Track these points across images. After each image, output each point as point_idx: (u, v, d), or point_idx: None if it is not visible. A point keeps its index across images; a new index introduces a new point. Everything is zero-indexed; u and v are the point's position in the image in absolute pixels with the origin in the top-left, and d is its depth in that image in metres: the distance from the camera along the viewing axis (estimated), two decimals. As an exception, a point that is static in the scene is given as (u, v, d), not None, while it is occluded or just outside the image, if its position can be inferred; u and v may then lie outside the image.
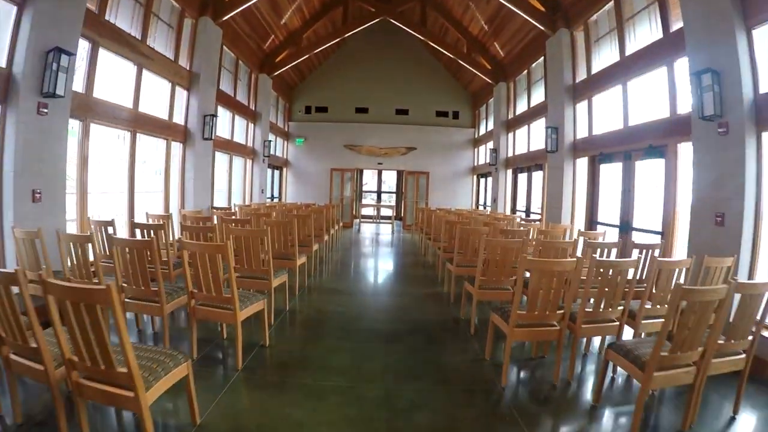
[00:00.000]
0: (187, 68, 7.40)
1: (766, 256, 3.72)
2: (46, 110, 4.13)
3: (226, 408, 2.49)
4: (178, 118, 7.30)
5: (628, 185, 5.87)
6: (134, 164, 6.08)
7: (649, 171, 5.59)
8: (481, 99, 13.41)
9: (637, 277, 3.52)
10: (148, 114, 6.38)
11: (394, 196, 16.25)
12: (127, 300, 3.22)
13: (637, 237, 5.59)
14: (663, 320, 3.20)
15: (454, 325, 4.23)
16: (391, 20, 11.37)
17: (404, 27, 11.46)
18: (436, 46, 11.88)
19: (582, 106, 7.28)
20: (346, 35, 12.01)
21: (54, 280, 1.79)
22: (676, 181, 4.95)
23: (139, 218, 5.99)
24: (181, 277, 3.41)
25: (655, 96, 5.41)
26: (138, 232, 4.31)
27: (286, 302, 4.49)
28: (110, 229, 4.25)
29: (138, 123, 6.11)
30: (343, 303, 4.94)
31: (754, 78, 3.71)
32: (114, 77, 5.72)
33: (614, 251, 4.23)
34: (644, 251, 3.99)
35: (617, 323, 3.10)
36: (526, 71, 9.86)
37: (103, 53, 5.36)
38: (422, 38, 11.96)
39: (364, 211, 15.64)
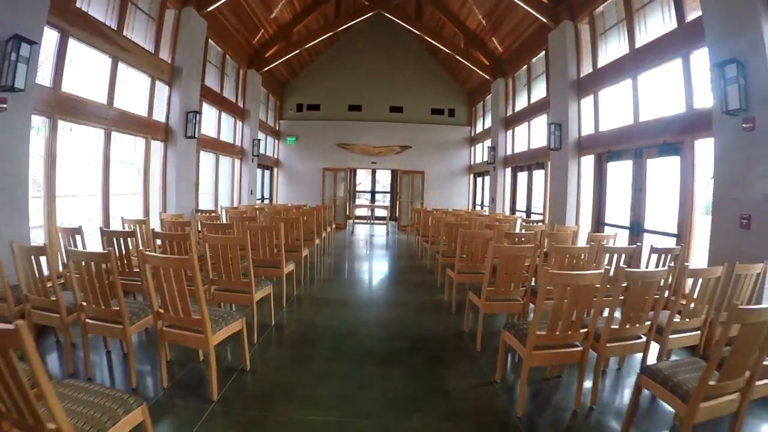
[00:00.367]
0: (169, 62, 6.94)
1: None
2: (4, 105, 3.71)
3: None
4: (159, 115, 6.83)
5: (640, 184, 5.54)
6: (109, 165, 5.63)
7: (663, 169, 5.26)
8: (478, 96, 13.04)
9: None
10: (125, 110, 5.92)
11: (388, 196, 15.82)
12: (88, 321, 2.81)
13: (649, 239, 5.26)
14: (698, 333, 2.95)
15: (458, 340, 3.84)
16: (386, 14, 10.98)
17: (399, 21, 11.08)
18: (432, 41, 11.50)
19: (587, 102, 6.93)
20: (339, 29, 11.64)
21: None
22: (693, 180, 4.64)
23: (115, 223, 5.55)
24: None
25: (668, 90, 5.08)
26: (105, 240, 3.86)
27: (272, 315, 4.07)
28: (78, 238, 3.83)
29: (113, 120, 5.66)
30: (336, 315, 4.52)
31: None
32: (86, 70, 5.28)
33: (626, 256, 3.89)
34: (662, 256, 3.68)
35: (644, 340, 2.77)
36: (525, 66, 9.50)
37: (74, 44, 4.94)
38: (418, 33, 11.56)
39: (358, 212, 15.17)
